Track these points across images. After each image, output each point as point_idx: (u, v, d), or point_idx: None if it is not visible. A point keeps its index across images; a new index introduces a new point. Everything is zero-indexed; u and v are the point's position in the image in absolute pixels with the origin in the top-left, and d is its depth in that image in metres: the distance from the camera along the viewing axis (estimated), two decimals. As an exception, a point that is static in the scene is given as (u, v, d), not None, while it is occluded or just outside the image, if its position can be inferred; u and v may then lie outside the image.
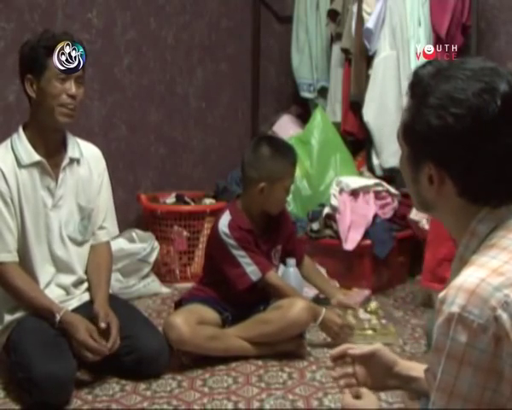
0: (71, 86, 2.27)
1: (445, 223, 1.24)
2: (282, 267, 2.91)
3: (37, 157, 2.31)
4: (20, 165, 2.30)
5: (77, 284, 2.44)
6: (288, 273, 2.98)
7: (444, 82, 1.13)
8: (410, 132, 1.18)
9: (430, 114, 1.13)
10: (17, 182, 2.29)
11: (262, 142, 2.62)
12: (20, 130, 2.35)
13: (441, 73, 1.15)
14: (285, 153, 2.60)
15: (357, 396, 1.38)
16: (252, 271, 2.52)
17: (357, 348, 1.51)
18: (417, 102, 1.16)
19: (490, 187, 1.13)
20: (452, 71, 1.14)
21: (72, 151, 2.40)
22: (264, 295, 2.64)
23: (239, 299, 2.58)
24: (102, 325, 2.24)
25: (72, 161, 2.40)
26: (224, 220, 2.55)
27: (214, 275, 2.63)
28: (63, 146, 2.39)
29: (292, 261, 2.80)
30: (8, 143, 2.35)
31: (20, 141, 2.32)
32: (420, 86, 1.16)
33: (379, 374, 1.46)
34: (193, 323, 2.44)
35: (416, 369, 1.44)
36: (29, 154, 2.31)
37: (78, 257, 2.43)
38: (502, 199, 1.14)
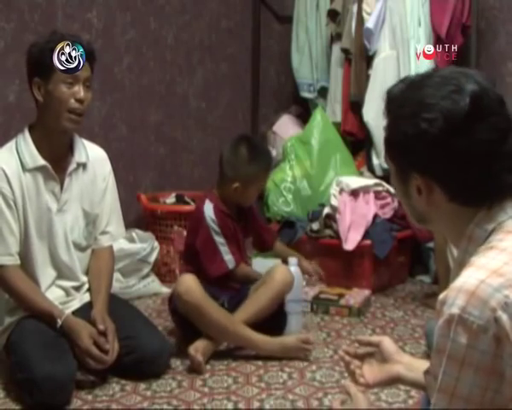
0: (79, 90, 2.23)
1: (443, 232, 1.26)
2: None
3: (41, 161, 2.27)
4: (24, 168, 2.26)
5: (78, 287, 2.44)
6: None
7: (415, 92, 1.16)
8: (391, 147, 1.22)
9: (405, 123, 1.16)
10: (21, 185, 2.26)
11: (241, 143, 2.70)
12: (26, 132, 2.30)
13: (413, 85, 1.18)
14: (262, 158, 2.73)
15: (344, 401, 1.42)
16: (228, 259, 2.64)
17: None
18: (393, 116, 1.20)
19: (475, 186, 1.14)
20: (424, 81, 1.17)
21: (79, 156, 2.37)
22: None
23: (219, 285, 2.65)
24: (101, 327, 2.23)
25: (78, 166, 2.37)
26: (209, 206, 2.66)
27: (192, 264, 2.69)
28: (70, 150, 2.36)
29: (293, 261, 2.80)
30: (12, 145, 2.30)
31: (26, 144, 2.28)
32: (394, 102, 1.20)
33: (383, 360, 1.48)
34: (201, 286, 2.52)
35: (418, 362, 1.47)
36: (34, 158, 2.27)
37: (80, 262, 2.42)
38: (491, 197, 1.15)
